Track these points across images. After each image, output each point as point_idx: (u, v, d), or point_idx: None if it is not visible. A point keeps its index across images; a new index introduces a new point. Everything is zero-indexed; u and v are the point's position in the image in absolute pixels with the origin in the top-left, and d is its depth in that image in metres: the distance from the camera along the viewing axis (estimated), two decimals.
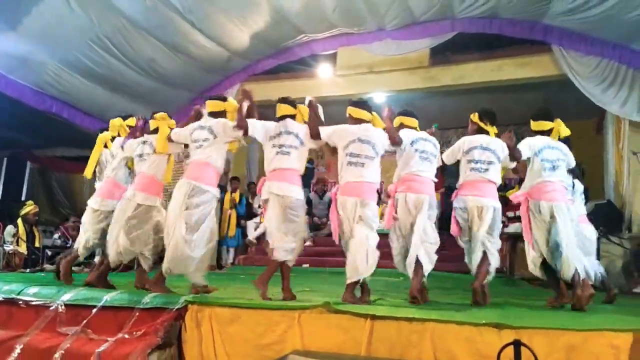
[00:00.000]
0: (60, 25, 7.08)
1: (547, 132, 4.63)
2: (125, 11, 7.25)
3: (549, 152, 4.47)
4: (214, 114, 4.55)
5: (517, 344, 2.32)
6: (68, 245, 7.98)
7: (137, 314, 3.71)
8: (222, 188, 9.83)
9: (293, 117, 4.48)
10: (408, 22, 8.29)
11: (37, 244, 8.30)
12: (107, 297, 3.85)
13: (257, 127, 4.39)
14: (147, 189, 4.68)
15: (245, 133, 4.35)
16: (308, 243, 9.16)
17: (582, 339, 2.85)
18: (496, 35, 7.96)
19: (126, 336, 3.54)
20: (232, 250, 9.55)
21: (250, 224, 9.77)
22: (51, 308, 3.85)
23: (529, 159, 4.54)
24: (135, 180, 4.80)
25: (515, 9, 7.46)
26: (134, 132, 5.02)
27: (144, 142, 4.81)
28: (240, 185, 10.12)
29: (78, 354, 3.51)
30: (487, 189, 4.41)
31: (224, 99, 4.70)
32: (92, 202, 5.18)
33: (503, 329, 3.00)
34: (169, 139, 4.69)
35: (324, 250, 8.97)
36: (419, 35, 8.39)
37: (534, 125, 4.69)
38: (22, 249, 8.04)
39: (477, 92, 9.05)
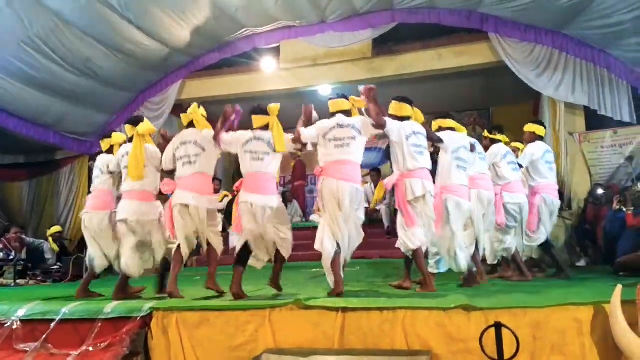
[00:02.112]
0: None
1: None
2: (58, 10, 6.91)
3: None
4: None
5: (497, 326, 2.40)
6: (11, 257, 7.57)
7: (100, 324, 3.59)
8: None
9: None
10: (349, 14, 8.34)
11: None
12: (66, 310, 3.70)
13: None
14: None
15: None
16: None
17: (546, 315, 2.99)
18: (435, 24, 8.13)
19: (90, 349, 3.42)
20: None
21: None
22: (6, 325, 3.67)
23: None
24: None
25: None
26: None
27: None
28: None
29: None
30: None
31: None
32: None
33: (471, 311, 3.11)
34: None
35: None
36: (360, 26, 8.46)
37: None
38: None
39: (419, 82, 9.23)
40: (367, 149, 4.50)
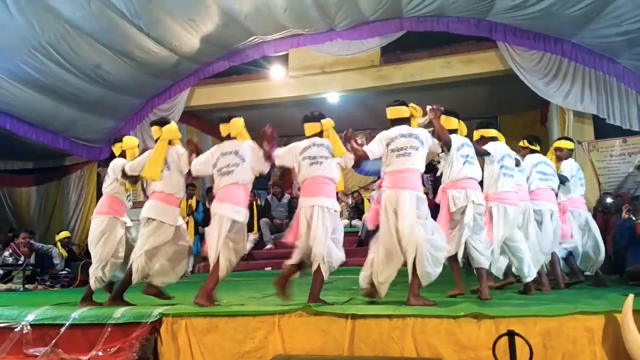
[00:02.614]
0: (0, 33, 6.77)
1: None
2: (69, 17, 7.00)
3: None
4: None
5: (511, 335, 2.40)
6: (19, 262, 7.62)
7: (109, 330, 3.59)
8: None
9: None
10: (358, 22, 8.39)
11: None
12: (75, 315, 3.71)
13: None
14: None
15: None
16: (269, 246, 9.13)
17: (558, 325, 2.97)
18: (444, 33, 8.16)
19: (100, 354, 3.43)
20: (191, 258, 9.35)
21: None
22: (16, 329, 3.67)
23: None
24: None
25: (461, 7, 7.67)
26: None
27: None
28: (197, 191, 9.97)
29: None
30: None
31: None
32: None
33: (481, 319, 3.09)
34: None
35: (285, 252, 8.92)
36: (368, 34, 8.50)
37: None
38: None
39: (427, 89, 9.24)
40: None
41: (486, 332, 3.02)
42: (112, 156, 9.59)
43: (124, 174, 4.69)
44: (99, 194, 10.23)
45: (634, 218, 5.86)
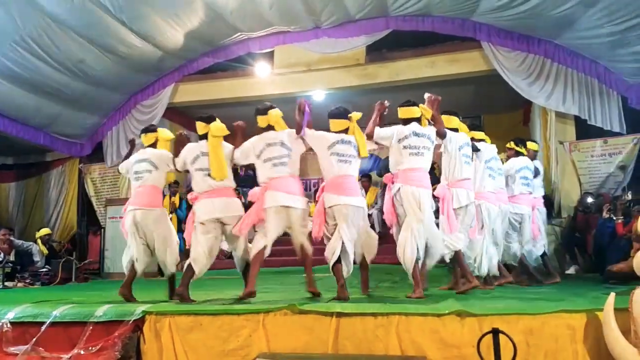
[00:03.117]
0: None
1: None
2: (51, 11, 6.89)
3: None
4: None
5: (495, 332, 2.41)
6: (0, 260, 7.48)
7: (91, 328, 3.54)
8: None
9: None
10: (344, 20, 8.39)
11: None
12: (57, 313, 3.65)
13: None
14: None
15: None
16: None
17: (540, 323, 3.01)
18: (429, 32, 8.19)
19: (82, 352, 3.38)
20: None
21: None
22: None
23: None
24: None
25: (446, 7, 7.71)
26: None
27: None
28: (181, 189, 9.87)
29: None
30: None
31: None
32: None
33: (465, 317, 3.12)
34: None
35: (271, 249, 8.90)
36: (354, 33, 8.51)
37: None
38: None
39: (412, 88, 9.22)
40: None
41: (470, 330, 3.05)
42: (94, 152, 9.52)
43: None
44: (81, 191, 10.21)
45: (614, 217, 5.94)
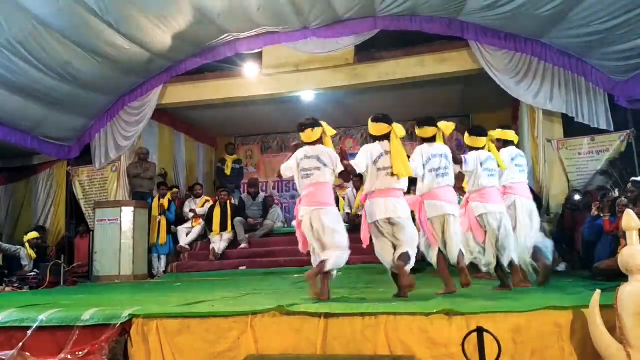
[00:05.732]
0: None
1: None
2: (38, 13, 6.83)
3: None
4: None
5: (480, 331, 2.42)
6: None
7: (77, 332, 3.51)
8: (149, 195, 9.55)
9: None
10: (332, 20, 8.38)
11: None
12: (43, 317, 3.62)
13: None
14: None
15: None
16: (243, 245, 9.08)
17: (527, 320, 3.02)
18: (417, 32, 8.21)
19: (69, 356, 3.35)
20: (163, 258, 9.29)
21: (182, 230, 9.55)
22: None
23: None
24: None
25: (433, 6, 7.71)
26: None
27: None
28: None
29: None
30: None
31: None
32: None
33: (452, 316, 3.12)
34: None
35: (259, 251, 8.91)
36: (342, 33, 8.50)
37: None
38: None
39: (401, 88, 9.32)
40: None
41: (457, 329, 3.05)
42: (82, 154, 9.43)
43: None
44: (69, 194, 10.12)
45: (602, 215, 5.98)
